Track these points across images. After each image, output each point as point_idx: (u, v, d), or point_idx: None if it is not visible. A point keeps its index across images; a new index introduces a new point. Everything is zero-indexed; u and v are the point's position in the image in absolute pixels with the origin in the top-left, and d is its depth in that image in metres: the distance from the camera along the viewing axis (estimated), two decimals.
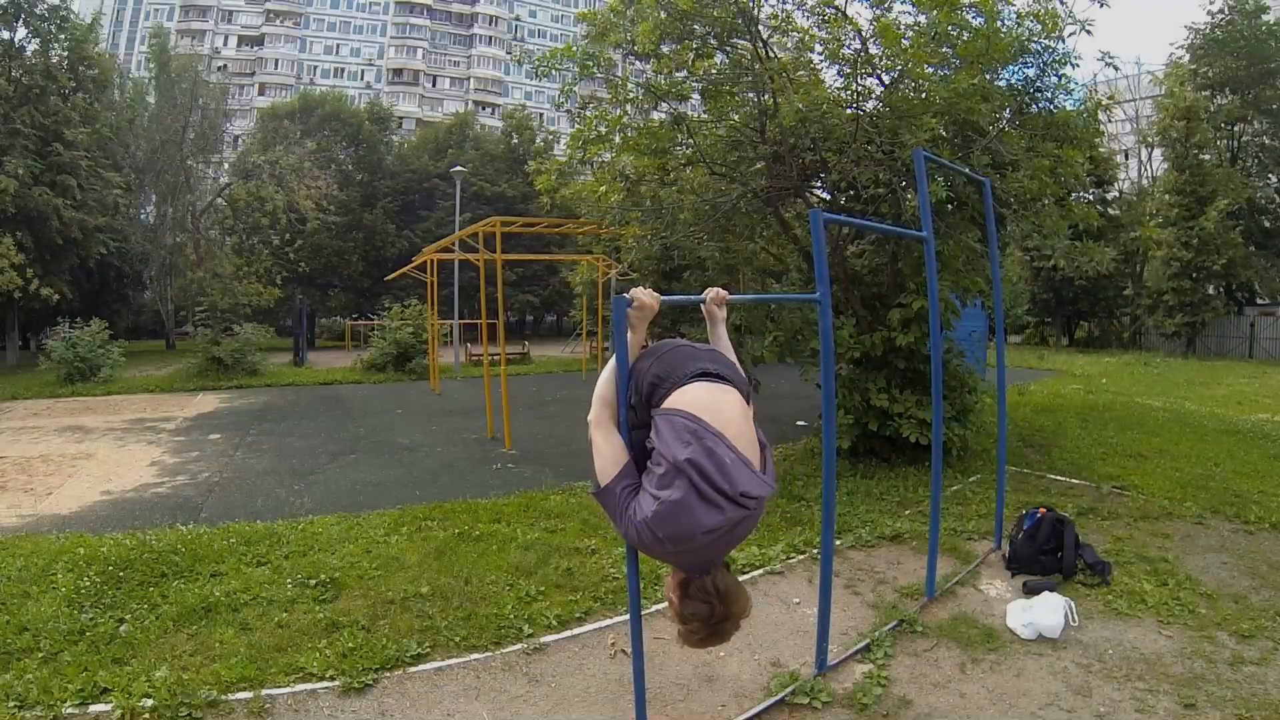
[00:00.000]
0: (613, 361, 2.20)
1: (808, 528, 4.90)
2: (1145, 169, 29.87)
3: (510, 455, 8.11)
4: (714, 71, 6.50)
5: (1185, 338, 23.58)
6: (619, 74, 6.58)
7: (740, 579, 3.91)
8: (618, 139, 7.02)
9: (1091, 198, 22.70)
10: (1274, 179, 24.50)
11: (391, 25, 58.38)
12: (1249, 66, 22.51)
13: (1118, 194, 27.73)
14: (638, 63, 6.87)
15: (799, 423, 9.55)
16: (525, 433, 9.18)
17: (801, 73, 6.30)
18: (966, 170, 5.04)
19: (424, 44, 59.04)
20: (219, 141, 28.11)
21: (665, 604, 2.21)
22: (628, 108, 6.62)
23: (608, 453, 2.06)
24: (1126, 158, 30.63)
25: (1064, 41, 6.07)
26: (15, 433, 9.75)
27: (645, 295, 2.19)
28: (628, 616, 2.88)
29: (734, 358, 2.36)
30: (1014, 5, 6.06)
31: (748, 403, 2.08)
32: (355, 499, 6.17)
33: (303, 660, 3.14)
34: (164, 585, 3.94)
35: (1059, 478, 6.38)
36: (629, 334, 2.18)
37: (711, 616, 2.01)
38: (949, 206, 6.19)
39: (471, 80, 60.24)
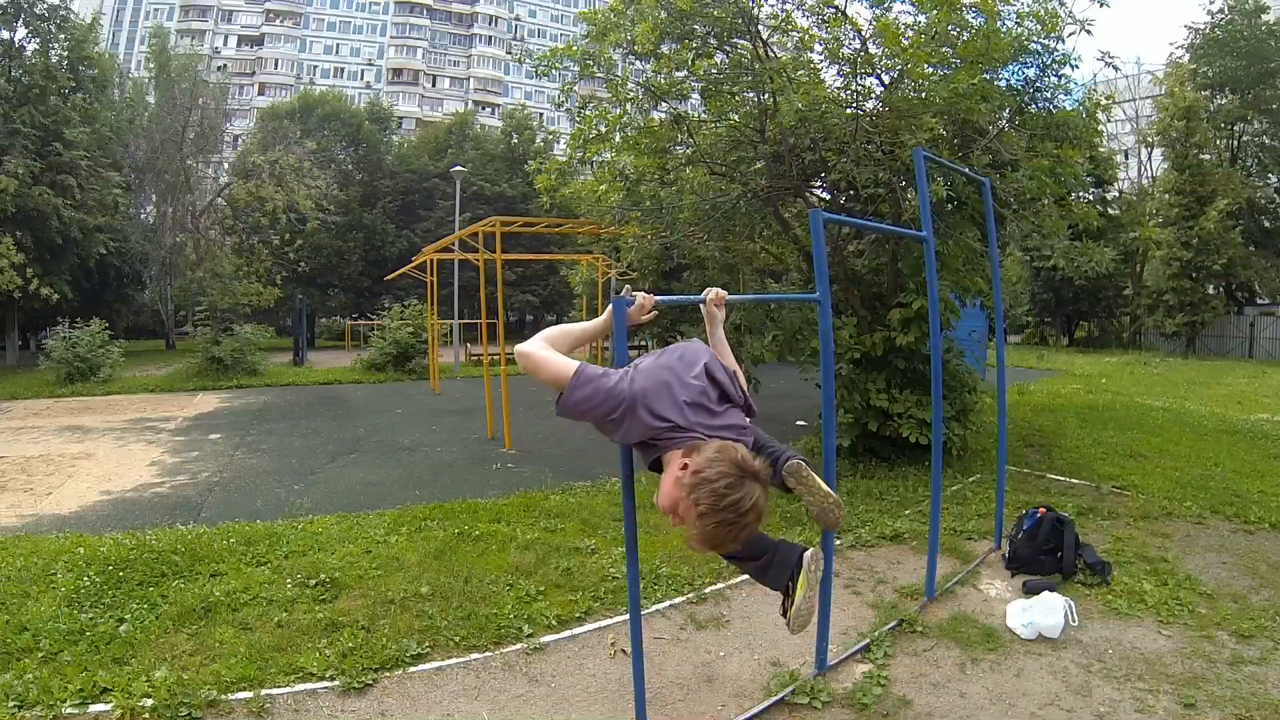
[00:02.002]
0: (578, 327, 2.25)
1: (807, 528, 4.90)
2: (1145, 169, 29.88)
3: (510, 455, 8.11)
4: (714, 71, 6.50)
5: (1185, 338, 23.60)
6: (619, 73, 6.58)
7: (740, 577, 3.93)
8: (617, 138, 7.02)
9: (1091, 198, 22.70)
10: (1274, 179, 24.50)
11: (391, 25, 58.37)
12: (1249, 66, 22.51)
13: (1118, 194, 27.76)
14: (638, 62, 6.87)
15: (799, 423, 9.54)
16: (525, 433, 9.17)
17: (801, 72, 6.30)
18: (966, 170, 5.04)
19: (424, 44, 59.03)
20: (219, 141, 28.06)
21: (667, 516, 1.87)
22: (627, 107, 6.62)
23: (558, 358, 2.01)
24: (1126, 158, 30.65)
25: (1064, 41, 6.09)
26: (15, 433, 9.75)
27: (640, 311, 2.25)
28: (627, 616, 2.87)
29: (731, 358, 2.37)
30: (1014, 5, 6.07)
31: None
32: (355, 499, 6.17)
33: (302, 660, 3.14)
34: (164, 585, 3.94)
35: (1059, 478, 6.38)
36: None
37: (737, 460, 1.77)
38: (949, 206, 6.19)
39: (471, 80, 60.23)
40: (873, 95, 6.15)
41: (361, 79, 56.24)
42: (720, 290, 2.46)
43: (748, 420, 2.17)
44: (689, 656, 3.30)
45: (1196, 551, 4.51)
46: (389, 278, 21.69)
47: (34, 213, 17.93)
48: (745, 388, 2.27)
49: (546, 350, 2.03)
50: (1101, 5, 5.91)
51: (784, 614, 2.32)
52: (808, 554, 2.30)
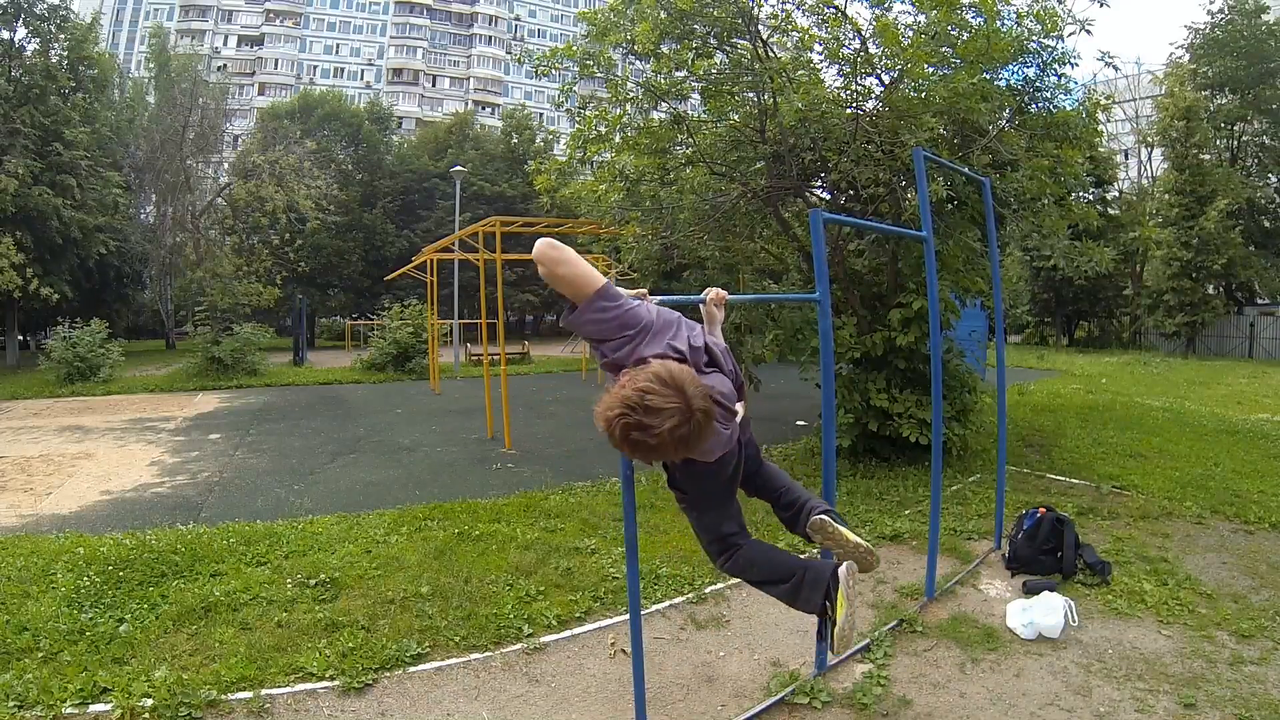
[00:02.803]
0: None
1: None
2: (1145, 169, 29.87)
3: (510, 455, 8.11)
4: (714, 71, 6.50)
5: (1185, 338, 23.61)
6: (619, 73, 6.58)
7: None
8: (617, 138, 7.02)
9: (1091, 198, 22.71)
10: (1274, 179, 24.51)
11: (391, 25, 58.36)
12: (1249, 66, 22.51)
13: (1118, 194, 27.76)
14: (638, 62, 6.86)
15: (799, 423, 9.55)
16: (525, 433, 9.18)
17: (801, 72, 6.30)
18: (966, 170, 5.04)
19: (424, 44, 59.01)
20: (219, 141, 28.08)
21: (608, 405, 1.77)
22: (627, 107, 6.61)
23: (590, 268, 1.91)
24: (1126, 158, 30.65)
25: (1063, 41, 6.09)
26: (15, 433, 9.75)
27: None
28: (627, 616, 2.88)
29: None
30: (1013, 5, 6.07)
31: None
32: (355, 499, 6.17)
33: (302, 660, 3.14)
34: (164, 585, 3.94)
35: (1059, 478, 6.37)
36: None
37: (683, 379, 1.74)
38: (949, 206, 6.19)
39: (471, 80, 60.21)
40: (872, 95, 6.15)
41: (361, 79, 56.23)
42: (720, 290, 2.45)
43: (737, 397, 2.12)
44: (689, 656, 3.30)
45: (1196, 551, 4.51)
46: (389, 278, 21.70)
47: (34, 213, 17.93)
48: (739, 367, 2.26)
49: (578, 255, 1.92)
50: (1101, 5, 5.91)
51: (822, 637, 2.14)
52: (843, 569, 2.12)
